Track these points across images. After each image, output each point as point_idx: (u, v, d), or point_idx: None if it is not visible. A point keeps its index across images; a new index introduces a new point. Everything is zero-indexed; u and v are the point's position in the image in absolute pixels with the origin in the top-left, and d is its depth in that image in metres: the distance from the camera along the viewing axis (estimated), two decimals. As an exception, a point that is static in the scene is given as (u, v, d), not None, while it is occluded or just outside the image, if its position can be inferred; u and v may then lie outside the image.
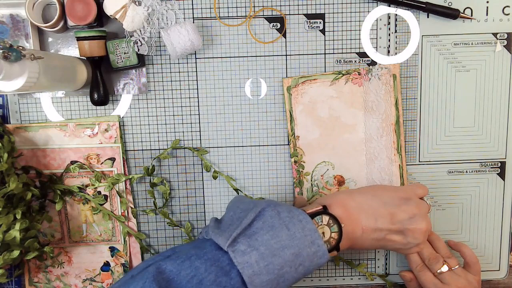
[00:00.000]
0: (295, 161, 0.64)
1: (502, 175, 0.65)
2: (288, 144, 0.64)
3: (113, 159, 0.63)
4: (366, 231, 0.55)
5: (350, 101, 0.62)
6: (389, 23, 0.62)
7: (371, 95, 0.61)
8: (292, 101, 0.62)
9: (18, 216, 0.56)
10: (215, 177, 0.64)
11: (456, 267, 0.60)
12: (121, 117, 0.63)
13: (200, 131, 0.64)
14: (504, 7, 0.61)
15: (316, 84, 0.62)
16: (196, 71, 0.63)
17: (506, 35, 0.62)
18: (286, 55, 0.62)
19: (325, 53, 0.62)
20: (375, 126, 0.62)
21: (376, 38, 0.62)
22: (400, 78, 0.62)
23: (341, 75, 0.61)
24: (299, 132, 0.63)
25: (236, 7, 0.61)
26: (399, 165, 0.63)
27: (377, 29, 0.62)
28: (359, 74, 0.61)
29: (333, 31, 0.62)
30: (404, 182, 0.64)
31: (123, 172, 0.64)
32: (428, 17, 0.61)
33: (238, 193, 0.65)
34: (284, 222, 0.49)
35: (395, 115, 0.62)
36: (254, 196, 0.65)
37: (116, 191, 0.64)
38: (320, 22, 0.62)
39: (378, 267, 0.67)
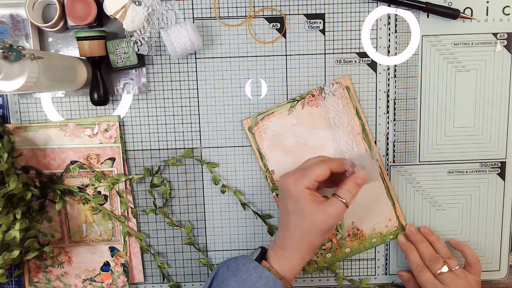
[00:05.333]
0: (277, 195, 0.64)
1: (502, 175, 0.65)
2: (266, 180, 0.64)
3: (113, 159, 0.63)
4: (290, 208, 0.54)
5: (312, 123, 0.62)
6: (389, 23, 0.62)
7: (330, 112, 0.62)
8: (257, 139, 0.63)
9: (18, 216, 0.56)
10: (223, 192, 0.64)
11: (456, 267, 0.60)
12: (121, 117, 0.63)
13: (200, 131, 0.64)
14: (504, 7, 0.61)
15: (275, 117, 0.62)
16: (196, 71, 0.63)
17: (506, 35, 0.62)
18: (286, 55, 0.62)
19: (325, 53, 0.62)
20: (343, 140, 0.63)
21: (376, 38, 0.62)
22: (354, 88, 0.62)
23: (296, 101, 0.62)
24: (272, 166, 0.63)
25: (236, 7, 0.61)
26: (379, 172, 0.63)
27: (377, 29, 0.62)
28: (313, 96, 0.62)
29: (333, 31, 0.62)
30: (388, 186, 0.64)
31: (123, 172, 0.63)
32: (428, 17, 0.61)
33: (245, 208, 0.65)
34: (232, 271, 0.53)
35: (359, 124, 0.63)
36: (254, 196, 0.65)
37: (116, 191, 0.64)
38: (320, 22, 0.62)
39: (378, 267, 0.67)
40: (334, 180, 0.57)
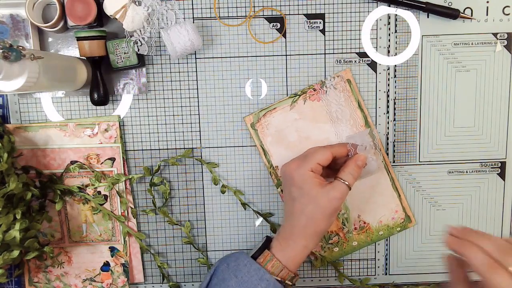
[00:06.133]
0: (282, 190, 0.64)
1: (502, 175, 0.65)
2: (270, 177, 0.64)
3: (113, 159, 0.63)
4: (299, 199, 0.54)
5: (314, 117, 0.62)
6: (389, 23, 0.62)
7: (332, 106, 0.62)
8: (260, 135, 0.63)
9: (18, 216, 0.56)
10: (223, 192, 0.64)
11: None
12: (121, 117, 0.63)
13: (200, 131, 0.64)
14: (504, 7, 0.61)
15: (277, 113, 0.62)
16: (196, 71, 0.63)
17: (506, 35, 0.62)
18: (286, 55, 0.62)
19: (325, 53, 0.62)
20: (347, 133, 0.62)
21: (376, 38, 0.62)
22: (356, 83, 0.62)
23: (297, 96, 0.62)
24: (276, 162, 0.63)
25: (236, 7, 0.61)
26: (383, 163, 0.63)
27: (377, 29, 0.62)
28: (314, 90, 0.62)
29: (333, 31, 0.62)
30: (393, 178, 0.64)
31: (123, 172, 0.63)
32: (428, 17, 0.61)
33: (245, 208, 0.65)
34: (232, 271, 0.53)
35: (362, 117, 0.63)
36: (254, 196, 0.65)
37: (116, 191, 0.64)
38: (320, 22, 0.62)
39: (378, 267, 0.67)
40: (336, 169, 0.57)
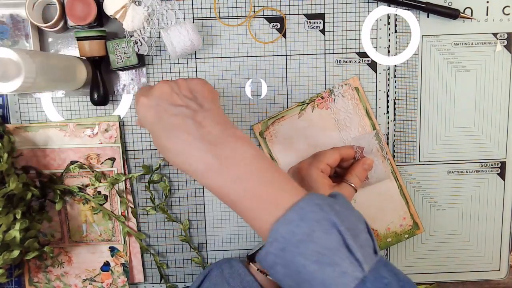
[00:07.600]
0: None
1: (502, 175, 0.65)
2: None
3: (113, 159, 0.63)
4: None
5: (323, 125, 0.62)
6: (389, 23, 0.62)
7: (340, 114, 0.62)
8: (268, 144, 0.63)
9: (18, 216, 0.56)
10: None
11: None
12: (121, 117, 0.63)
13: (200, 131, 0.64)
14: (504, 7, 0.61)
15: (285, 121, 0.62)
16: (196, 71, 0.63)
17: (506, 35, 0.62)
18: (286, 55, 0.62)
19: (325, 53, 0.62)
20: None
21: (376, 38, 0.62)
22: (363, 90, 0.62)
23: (305, 104, 0.62)
24: (284, 170, 0.63)
25: (236, 7, 0.61)
26: (391, 170, 0.63)
27: (377, 29, 0.62)
28: (322, 98, 0.62)
29: (333, 31, 0.62)
30: (400, 183, 0.64)
31: (123, 172, 0.63)
32: (428, 17, 0.61)
33: None
34: (225, 278, 0.53)
35: (370, 124, 0.63)
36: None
37: (116, 191, 0.64)
38: (320, 22, 0.62)
39: (378, 267, 0.67)
40: (340, 176, 0.59)
